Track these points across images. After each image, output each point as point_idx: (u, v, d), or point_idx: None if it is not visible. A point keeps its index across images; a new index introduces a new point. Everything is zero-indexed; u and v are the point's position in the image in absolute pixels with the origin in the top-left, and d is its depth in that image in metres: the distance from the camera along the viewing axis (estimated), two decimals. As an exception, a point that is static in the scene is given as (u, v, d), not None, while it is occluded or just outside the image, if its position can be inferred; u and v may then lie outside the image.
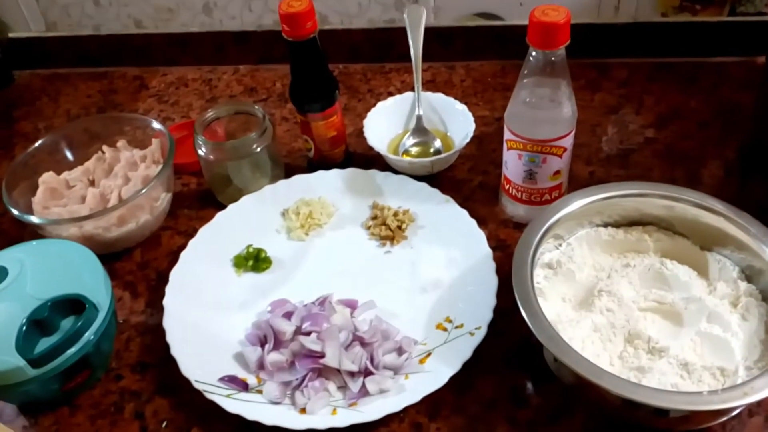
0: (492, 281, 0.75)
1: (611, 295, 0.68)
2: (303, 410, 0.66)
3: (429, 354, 0.71)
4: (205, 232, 0.84)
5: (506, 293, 0.70)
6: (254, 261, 0.82)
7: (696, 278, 0.70)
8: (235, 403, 0.66)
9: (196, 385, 0.68)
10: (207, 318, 0.76)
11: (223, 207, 0.87)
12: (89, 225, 0.80)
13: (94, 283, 0.69)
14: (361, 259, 0.82)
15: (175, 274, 0.79)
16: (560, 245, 0.74)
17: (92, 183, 0.90)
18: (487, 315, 0.72)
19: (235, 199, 0.87)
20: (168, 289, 0.77)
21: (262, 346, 0.72)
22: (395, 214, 0.85)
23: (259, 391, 0.68)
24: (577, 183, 0.84)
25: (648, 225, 0.75)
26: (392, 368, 0.69)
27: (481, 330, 0.70)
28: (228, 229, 0.85)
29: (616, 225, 0.75)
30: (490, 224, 0.84)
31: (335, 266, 0.82)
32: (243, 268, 0.82)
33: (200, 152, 0.86)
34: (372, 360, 0.69)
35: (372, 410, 0.65)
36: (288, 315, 0.74)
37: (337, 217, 0.88)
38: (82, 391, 0.71)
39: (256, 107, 0.89)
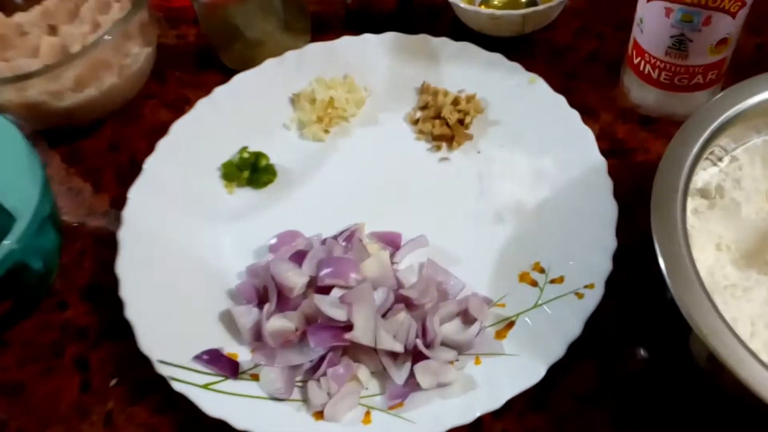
0: (608, 208, 0.49)
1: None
2: (319, 414, 0.43)
3: (510, 323, 0.46)
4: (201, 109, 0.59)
5: (623, 228, 0.45)
6: (251, 171, 0.57)
7: None
8: (216, 401, 0.44)
9: (161, 369, 0.45)
10: (180, 259, 0.52)
11: (229, 72, 0.62)
12: (34, 88, 0.56)
13: (14, 177, 0.49)
14: (405, 171, 0.57)
15: (150, 166, 0.56)
16: (720, 161, 0.47)
17: (53, 30, 0.64)
18: (604, 265, 0.46)
19: (245, 60, 0.62)
20: (135, 189, 0.54)
21: (261, 304, 0.48)
22: (455, 102, 0.58)
23: (255, 376, 0.46)
24: (737, 62, 0.54)
25: None
26: (455, 346, 0.45)
27: (596, 290, 0.45)
28: (211, 122, 0.59)
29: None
30: (602, 116, 0.57)
31: (367, 181, 0.56)
32: (236, 182, 0.57)
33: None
34: (424, 333, 0.45)
35: (426, 419, 0.42)
36: (299, 258, 0.49)
37: (370, 105, 0.61)
38: (9, 326, 0.52)
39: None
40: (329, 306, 0.45)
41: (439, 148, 0.57)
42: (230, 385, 0.45)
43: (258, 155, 0.57)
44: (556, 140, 0.54)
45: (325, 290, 0.47)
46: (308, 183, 0.57)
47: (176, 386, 0.44)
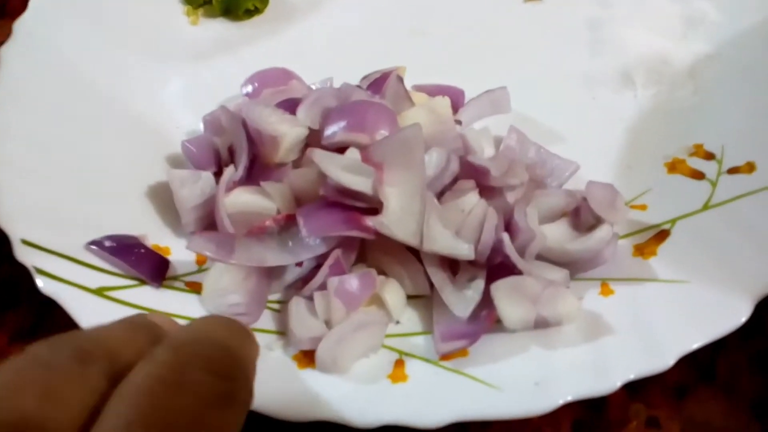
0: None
1: None
2: (308, 356, 0.23)
3: (662, 233, 0.26)
4: None
5: None
6: (229, -9, 0.36)
7: None
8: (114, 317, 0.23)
9: (22, 255, 0.24)
10: (95, 101, 0.31)
11: None
12: None
13: None
14: (467, 11, 0.36)
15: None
16: None
17: None
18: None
19: None
20: None
21: (221, 169, 0.28)
22: None
23: (193, 286, 0.25)
24: None
25: None
26: (565, 262, 0.25)
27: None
28: None
29: None
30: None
31: (405, 21, 0.36)
32: (203, 7, 0.37)
33: None
34: (511, 231, 0.24)
35: (512, 382, 0.21)
36: (291, 106, 0.29)
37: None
38: None
39: None
40: (341, 168, 0.24)
41: (523, -18, 0.37)
42: (147, 294, 0.25)
43: (240, -31, 0.37)
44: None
45: (338, 151, 0.26)
46: (314, 17, 0.36)
47: (44, 285, 0.24)
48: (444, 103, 0.28)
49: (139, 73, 0.33)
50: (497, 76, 0.33)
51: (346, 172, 0.24)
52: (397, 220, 0.24)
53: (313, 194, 0.26)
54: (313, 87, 0.32)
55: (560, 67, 0.33)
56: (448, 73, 0.33)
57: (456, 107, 0.31)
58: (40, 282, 0.24)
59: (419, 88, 0.31)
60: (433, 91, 0.31)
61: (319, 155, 0.25)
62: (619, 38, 0.34)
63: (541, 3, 0.36)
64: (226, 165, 0.29)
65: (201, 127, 0.31)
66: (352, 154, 0.26)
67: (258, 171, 0.28)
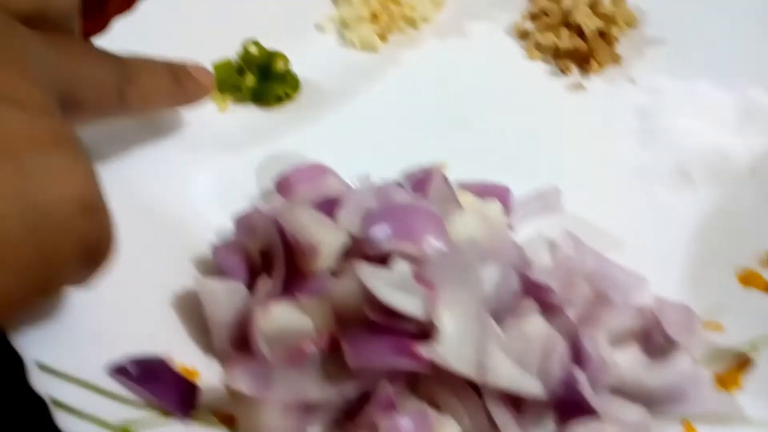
0: None
1: None
2: None
3: (744, 361, 0.23)
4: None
5: None
6: (260, 78, 0.35)
7: None
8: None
9: (37, 382, 0.22)
10: (114, 195, 0.29)
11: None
12: None
13: None
14: (509, 102, 0.35)
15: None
16: None
17: None
18: None
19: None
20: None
21: (253, 282, 0.26)
22: (593, 5, 0.37)
23: (226, 418, 0.23)
24: None
25: None
26: (641, 396, 0.22)
27: None
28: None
29: None
30: None
31: (445, 114, 0.34)
32: (232, 93, 0.35)
33: None
34: (579, 359, 0.22)
35: None
36: (329, 207, 0.27)
37: (451, 8, 0.39)
38: None
39: None
40: (389, 286, 0.22)
41: (567, 70, 0.35)
42: (175, 431, 0.22)
43: (273, 55, 0.35)
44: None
45: (380, 260, 0.24)
46: (349, 108, 0.35)
47: (63, 421, 0.21)
48: (496, 208, 0.26)
49: (163, 163, 0.31)
50: (542, 169, 0.31)
51: (395, 291, 0.22)
52: (454, 348, 0.21)
53: (355, 310, 0.23)
54: (350, 183, 0.30)
55: (610, 160, 0.31)
56: (490, 166, 0.31)
57: (503, 200, 0.29)
58: (60, 419, 0.21)
59: (463, 186, 0.29)
60: (478, 189, 0.29)
61: (365, 271, 0.23)
62: (670, 129, 0.32)
63: (585, 90, 0.35)
64: (258, 270, 0.27)
65: (230, 224, 0.29)
66: (400, 267, 0.24)
67: (293, 279, 0.26)
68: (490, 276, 0.23)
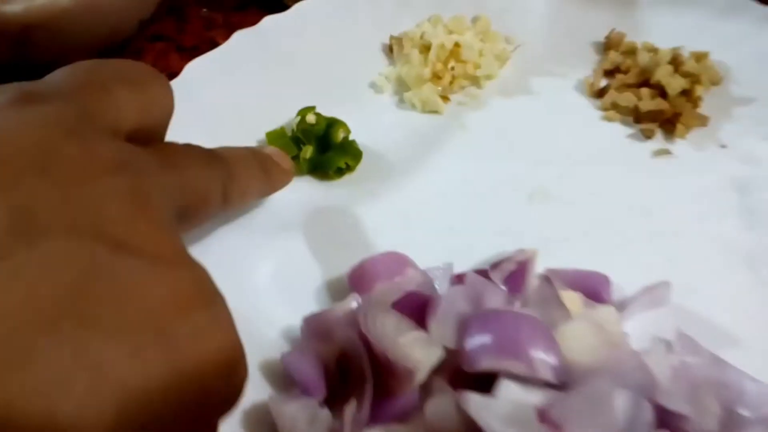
0: None
1: None
2: None
3: None
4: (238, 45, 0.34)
5: None
6: (319, 149, 0.32)
7: None
8: None
9: None
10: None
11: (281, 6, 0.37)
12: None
13: None
14: (585, 169, 0.32)
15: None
16: None
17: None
18: None
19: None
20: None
21: (332, 398, 0.23)
22: (675, 62, 0.34)
23: None
24: None
25: None
26: None
27: None
28: (253, 67, 0.34)
29: None
30: None
31: (514, 183, 0.31)
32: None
33: None
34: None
35: None
36: (413, 306, 0.24)
37: (517, 64, 0.37)
38: None
39: None
40: (504, 422, 0.19)
41: (650, 134, 0.32)
42: None
43: (333, 123, 0.32)
44: None
45: (479, 382, 0.21)
46: (414, 177, 0.32)
47: None
48: (611, 314, 0.23)
49: (220, 251, 0.29)
50: (635, 248, 0.28)
51: (509, 427, 0.19)
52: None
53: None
54: (428, 273, 0.27)
55: (713, 242, 0.28)
56: (578, 247, 0.28)
57: (600, 297, 0.26)
58: None
59: (551, 273, 0.26)
60: (573, 279, 0.26)
61: (474, 403, 0.20)
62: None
63: (673, 157, 0.32)
64: (335, 382, 0.24)
65: (298, 323, 0.26)
66: (508, 391, 0.21)
67: (383, 400, 0.23)
68: (619, 406, 0.20)
